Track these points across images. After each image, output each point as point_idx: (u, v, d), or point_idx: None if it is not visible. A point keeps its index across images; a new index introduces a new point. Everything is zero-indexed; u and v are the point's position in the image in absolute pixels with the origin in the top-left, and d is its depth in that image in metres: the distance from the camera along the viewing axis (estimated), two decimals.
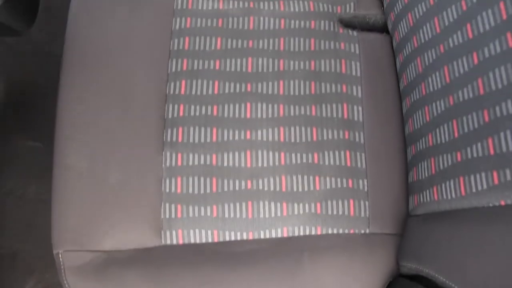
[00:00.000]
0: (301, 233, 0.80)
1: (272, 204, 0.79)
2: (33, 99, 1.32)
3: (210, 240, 0.79)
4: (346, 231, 0.80)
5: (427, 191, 0.73)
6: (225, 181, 0.79)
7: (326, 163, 0.81)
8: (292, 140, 0.81)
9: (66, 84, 0.84)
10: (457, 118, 0.67)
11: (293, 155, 0.81)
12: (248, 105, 0.82)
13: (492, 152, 0.61)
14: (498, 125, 0.60)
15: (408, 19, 0.78)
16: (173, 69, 0.83)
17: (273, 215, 0.79)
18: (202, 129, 0.80)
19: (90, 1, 0.88)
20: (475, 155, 0.63)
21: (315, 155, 0.81)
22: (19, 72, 1.34)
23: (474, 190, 0.63)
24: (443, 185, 0.69)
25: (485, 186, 0.61)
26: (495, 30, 0.61)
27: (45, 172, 1.24)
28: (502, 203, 0.59)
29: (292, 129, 0.81)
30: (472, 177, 0.64)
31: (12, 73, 1.33)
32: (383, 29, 0.90)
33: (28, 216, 1.27)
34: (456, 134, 0.67)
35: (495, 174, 0.60)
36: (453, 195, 0.67)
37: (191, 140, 0.80)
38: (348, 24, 0.89)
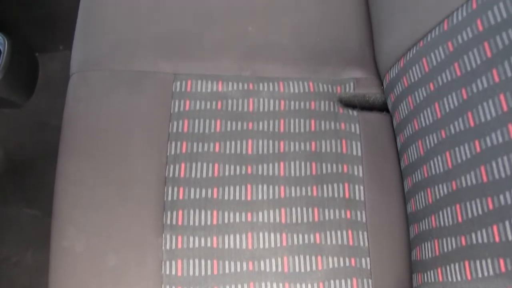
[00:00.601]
0: None
1: (274, 285, 0.78)
2: (31, 168, 1.32)
3: None
4: None
5: (431, 271, 0.73)
6: (226, 263, 0.78)
7: (328, 243, 0.80)
8: (294, 221, 0.81)
9: (64, 162, 0.84)
10: (461, 203, 0.67)
11: (294, 235, 0.80)
12: (249, 187, 0.82)
13: (497, 239, 0.60)
14: (503, 213, 0.60)
15: (409, 101, 0.79)
16: (173, 152, 0.83)
17: None
18: (203, 212, 0.80)
19: (89, 79, 0.89)
20: (480, 241, 0.63)
21: (317, 235, 0.80)
22: (17, 141, 1.34)
23: (480, 275, 0.63)
24: (447, 267, 0.69)
25: (491, 273, 0.61)
26: (496, 120, 0.61)
27: (41, 240, 1.23)
28: None
29: (294, 210, 0.81)
30: (477, 262, 0.63)
31: (10, 142, 1.33)
32: (383, 107, 0.91)
33: (24, 284, 1.25)
34: (460, 219, 0.67)
35: (501, 261, 0.60)
36: (458, 278, 0.66)
37: (191, 223, 0.79)
38: (347, 103, 0.90)
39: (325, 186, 0.83)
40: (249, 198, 0.81)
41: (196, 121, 0.85)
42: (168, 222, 0.79)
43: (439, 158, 0.71)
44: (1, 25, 1.34)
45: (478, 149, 0.64)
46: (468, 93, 0.66)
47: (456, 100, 0.68)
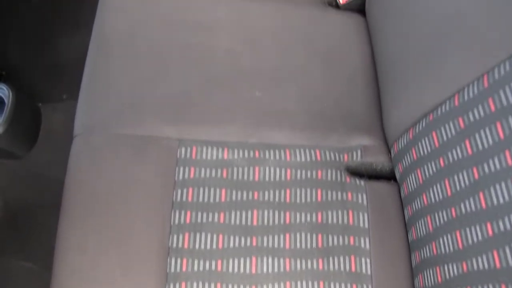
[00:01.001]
0: None
1: None
2: (30, 219, 1.30)
3: None
4: None
5: None
6: None
7: None
8: None
9: (65, 228, 0.81)
10: (472, 287, 0.65)
11: None
12: (254, 259, 0.79)
13: None
14: None
15: (417, 175, 0.77)
16: (176, 222, 0.80)
17: None
18: (206, 285, 0.77)
19: (93, 142, 0.87)
20: None
21: None
22: (16, 192, 1.32)
23: None
24: None
25: None
26: (509, 205, 0.60)
27: None
28: None
29: (299, 283, 0.79)
30: None
31: (9, 193, 1.32)
32: (390, 175, 0.89)
33: None
34: None
35: None
36: None
37: None
38: (355, 171, 0.88)
39: (331, 259, 0.81)
40: (253, 271, 0.79)
41: (201, 189, 0.83)
42: None
43: (449, 237, 0.69)
44: (6, 74, 1.34)
45: (490, 233, 0.62)
46: (480, 173, 0.64)
47: (467, 179, 0.67)
